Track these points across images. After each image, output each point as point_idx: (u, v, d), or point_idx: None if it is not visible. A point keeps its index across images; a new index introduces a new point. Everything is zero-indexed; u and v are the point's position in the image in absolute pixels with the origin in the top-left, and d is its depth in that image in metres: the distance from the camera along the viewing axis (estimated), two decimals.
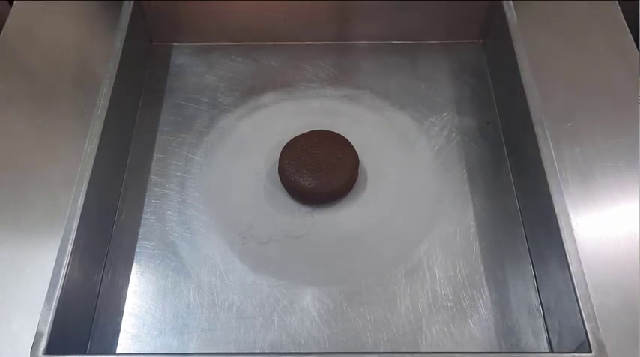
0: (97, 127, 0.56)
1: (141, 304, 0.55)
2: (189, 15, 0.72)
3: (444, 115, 0.68)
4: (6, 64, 0.71)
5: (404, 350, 0.53)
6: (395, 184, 0.62)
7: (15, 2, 0.77)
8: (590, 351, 0.46)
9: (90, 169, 0.54)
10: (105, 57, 0.62)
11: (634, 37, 0.72)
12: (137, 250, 0.58)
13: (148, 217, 0.60)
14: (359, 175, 0.62)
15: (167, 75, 0.71)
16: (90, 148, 0.55)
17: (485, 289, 0.56)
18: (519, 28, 0.64)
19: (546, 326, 0.53)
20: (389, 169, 0.63)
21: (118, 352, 0.53)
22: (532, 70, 0.60)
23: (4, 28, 0.74)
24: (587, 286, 0.48)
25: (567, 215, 0.51)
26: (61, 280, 0.48)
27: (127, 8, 0.66)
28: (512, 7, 0.66)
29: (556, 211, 0.51)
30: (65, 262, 0.49)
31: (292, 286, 0.56)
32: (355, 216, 0.60)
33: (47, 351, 0.46)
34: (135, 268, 0.57)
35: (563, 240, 0.50)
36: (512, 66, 0.61)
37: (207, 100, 0.69)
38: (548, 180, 0.53)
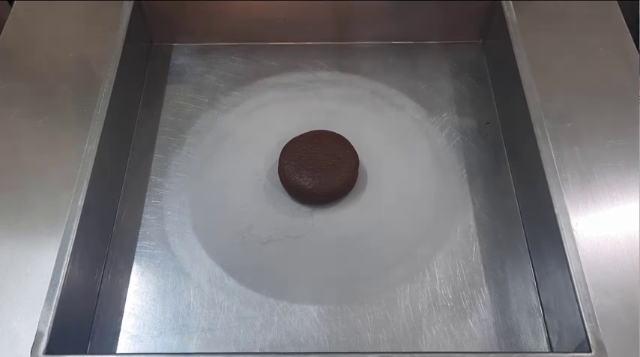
0: (97, 127, 0.56)
1: (141, 304, 0.55)
2: (189, 15, 0.72)
3: (444, 115, 0.68)
4: (6, 64, 0.71)
5: (404, 350, 0.53)
6: (395, 184, 0.62)
7: (15, 2, 0.77)
8: (590, 351, 0.46)
9: (90, 169, 0.54)
10: (105, 57, 0.62)
11: (634, 37, 0.72)
12: (137, 250, 0.58)
13: (148, 217, 0.60)
14: (359, 175, 0.62)
15: (167, 75, 0.71)
16: (90, 148, 0.55)
17: (485, 289, 0.56)
18: (519, 28, 0.64)
19: (546, 326, 0.53)
20: (389, 169, 0.63)
21: (118, 352, 0.53)
22: (532, 70, 0.60)
23: (4, 28, 0.74)
24: (586, 286, 0.48)
25: (567, 215, 0.51)
26: (61, 280, 0.48)
27: (127, 8, 0.66)
28: (512, 7, 0.66)
29: (556, 211, 0.51)
30: (65, 262, 0.49)
31: (292, 286, 0.56)
32: (355, 216, 0.60)
33: (47, 351, 0.46)
34: (135, 268, 0.57)
35: (563, 240, 0.50)
36: (511, 66, 0.61)
37: (207, 100, 0.69)
38: (548, 180, 0.53)
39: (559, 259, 0.50)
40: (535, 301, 0.55)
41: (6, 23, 0.74)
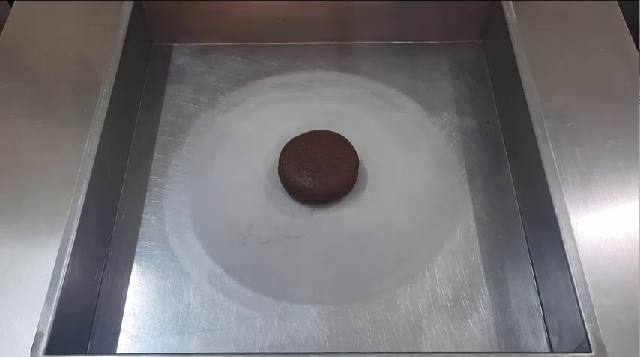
0: (97, 127, 0.56)
1: (141, 304, 0.55)
2: (189, 15, 0.72)
3: (444, 115, 0.68)
4: (6, 64, 0.71)
5: (404, 350, 0.53)
6: (395, 184, 0.62)
7: (15, 2, 0.77)
8: (590, 351, 0.46)
9: (90, 169, 0.54)
10: (105, 57, 0.62)
11: (634, 37, 0.72)
12: (137, 250, 0.58)
13: (148, 217, 0.60)
14: (359, 175, 0.62)
15: (167, 75, 0.71)
16: (90, 148, 0.55)
17: (485, 289, 0.56)
18: (519, 28, 0.64)
19: (546, 326, 0.53)
20: (389, 169, 0.63)
21: (118, 352, 0.53)
22: (532, 70, 0.60)
23: (4, 28, 0.74)
24: (587, 286, 0.48)
25: (567, 215, 0.51)
26: (61, 280, 0.48)
27: (127, 8, 0.66)
28: (512, 7, 0.66)
29: (556, 211, 0.51)
30: (65, 262, 0.49)
31: (292, 286, 0.56)
32: (355, 216, 0.60)
33: (47, 351, 0.46)
34: (135, 268, 0.57)
35: (563, 240, 0.50)
36: (511, 66, 0.61)
37: (207, 100, 0.69)
38: (548, 180, 0.53)
39: (559, 259, 0.50)
40: (535, 301, 0.55)
41: (6, 23, 0.74)
